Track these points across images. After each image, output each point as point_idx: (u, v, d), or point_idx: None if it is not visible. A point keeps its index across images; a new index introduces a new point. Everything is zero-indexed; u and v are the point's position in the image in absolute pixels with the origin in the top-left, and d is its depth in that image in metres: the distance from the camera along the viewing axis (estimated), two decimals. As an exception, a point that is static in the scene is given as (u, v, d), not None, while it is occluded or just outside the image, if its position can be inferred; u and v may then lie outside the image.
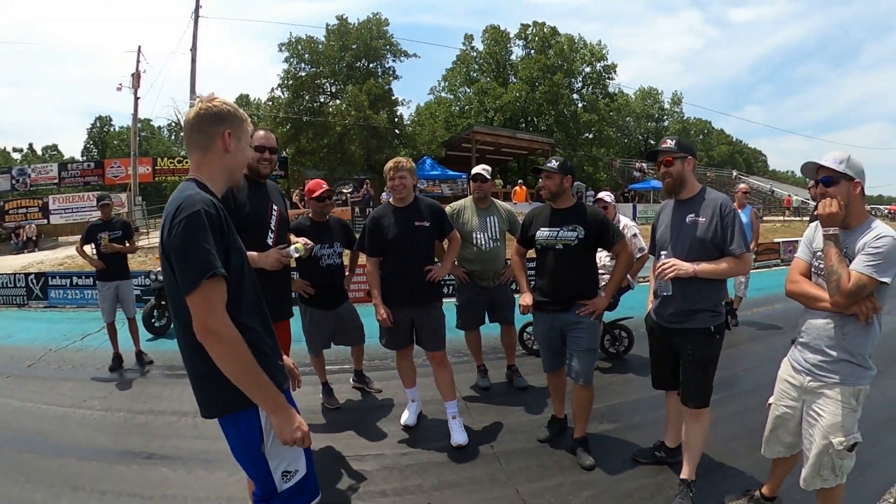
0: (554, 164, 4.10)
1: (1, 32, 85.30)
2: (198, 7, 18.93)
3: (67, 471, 4.27)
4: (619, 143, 55.61)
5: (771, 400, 3.20)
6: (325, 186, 5.04)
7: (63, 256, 18.89)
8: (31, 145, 64.10)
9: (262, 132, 3.85)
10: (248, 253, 3.49)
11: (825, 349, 2.76)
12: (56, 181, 28.90)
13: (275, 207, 3.79)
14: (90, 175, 29.11)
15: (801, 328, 2.94)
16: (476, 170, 5.46)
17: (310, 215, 5.13)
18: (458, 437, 4.47)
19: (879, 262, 2.53)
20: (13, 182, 28.22)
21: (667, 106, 64.85)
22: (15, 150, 61.04)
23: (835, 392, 2.73)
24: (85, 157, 51.14)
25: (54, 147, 64.69)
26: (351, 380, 5.88)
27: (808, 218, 7.61)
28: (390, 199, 4.60)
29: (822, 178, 2.72)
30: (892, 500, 3.52)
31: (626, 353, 6.79)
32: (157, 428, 5.09)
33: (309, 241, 3.90)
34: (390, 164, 4.43)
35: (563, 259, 4.05)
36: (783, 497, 3.45)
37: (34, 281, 12.05)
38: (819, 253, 2.80)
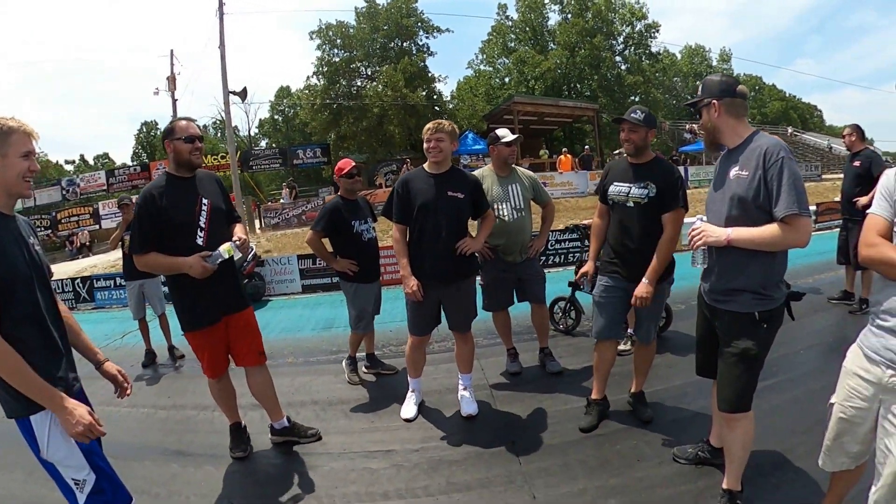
0: (640, 115, 3.77)
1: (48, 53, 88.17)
2: (221, 4, 18.90)
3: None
4: (668, 104, 53.62)
5: (833, 398, 2.51)
6: (353, 163, 5.13)
7: (115, 259, 19.39)
8: (82, 156, 65.96)
9: (183, 122, 3.65)
10: (174, 259, 3.38)
11: None
12: (105, 187, 29.75)
13: (204, 201, 3.57)
14: (137, 178, 29.66)
15: (879, 306, 2.26)
16: (503, 133, 5.03)
17: (341, 194, 5.20)
18: (469, 407, 4.45)
19: None
20: (63, 192, 29.55)
21: (715, 63, 62.10)
22: (67, 161, 63.05)
23: None
24: (135, 162, 52.42)
25: (105, 155, 66.43)
26: (364, 366, 5.65)
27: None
28: (424, 165, 4.34)
29: None
30: None
31: (664, 332, 6.07)
32: (177, 423, 5.03)
33: (241, 238, 3.61)
34: (430, 124, 4.20)
35: (630, 219, 3.79)
36: None
37: (80, 284, 12.34)
38: None
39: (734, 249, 2.70)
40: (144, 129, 64.33)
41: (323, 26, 34.52)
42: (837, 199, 9.26)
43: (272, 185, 43.58)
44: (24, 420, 2.20)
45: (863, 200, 6.49)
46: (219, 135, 61.20)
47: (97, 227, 27.37)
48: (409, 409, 4.55)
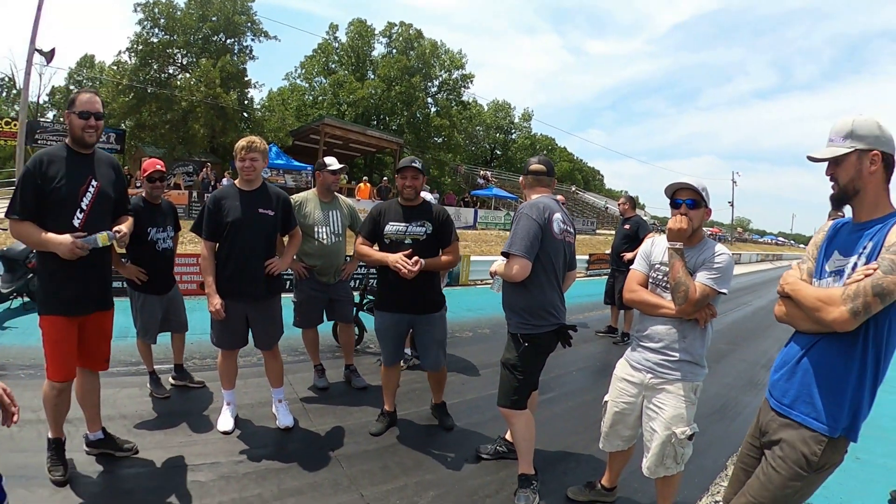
0: (419, 164, 4.30)
1: None
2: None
3: None
4: (467, 149, 57.31)
5: (607, 398, 3.40)
6: (160, 167, 4.85)
7: None
8: None
9: (85, 95, 3.34)
10: (48, 235, 3.14)
11: (667, 351, 3.02)
12: None
13: (94, 182, 3.33)
14: None
15: (640, 332, 3.18)
16: (331, 161, 5.30)
17: (143, 195, 4.86)
18: (285, 419, 4.53)
19: (720, 276, 2.87)
20: None
21: (517, 120, 67.78)
22: None
23: (676, 387, 3.01)
24: None
25: None
26: (171, 377, 5.31)
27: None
28: (235, 181, 4.32)
29: (688, 199, 2.94)
30: (723, 485, 3.84)
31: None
32: None
33: (123, 232, 3.44)
34: (243, 142, 4.17)
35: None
36: (621, 486, 3.73)
37: None
38: (657, 265, 3.11)
39: (505, 282, 3.59)
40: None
41: (150, 1, 31.66)
42: (608, 251, 10.99)
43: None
44: None
45: (628, 255, 8.21)
46: (3, 94, 53.09)
47: None
48: (226, 421, 4.44)
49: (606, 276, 9.19)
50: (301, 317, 5.35)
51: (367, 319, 6.34)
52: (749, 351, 9.06)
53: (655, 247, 3.18)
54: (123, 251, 4.71)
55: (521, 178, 3.83)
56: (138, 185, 21.75)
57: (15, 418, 2.20)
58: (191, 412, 4.72)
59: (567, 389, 6.10)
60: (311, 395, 5.36)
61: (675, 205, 2.98)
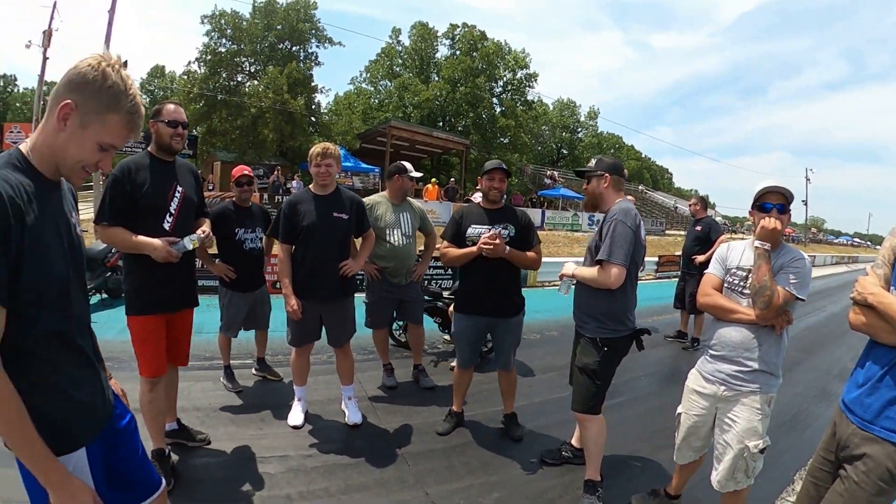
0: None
1: None
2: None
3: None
4: (533, 149, 56.82)
5: (680, 409, 3.30)
6: (247, 172, 5.17)
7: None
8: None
9: (171, 106, 3.52)
10: (140, 238, 3.28)
11: (742, 360, 2.89)
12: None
13: (179, 188, 3.50)
14: (-14, 138, 26.66)
15: (712, 341, 3.06)
16: (405, 165, 5.38)
17: (234, 199, 5.18)
18: (354, 416, 4.63)
19: (800, 281, 2.76)
20: None
21: (582, 119, 66.84)
22: None
23: (750, 400, 2.88)
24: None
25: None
26: (253, 369, 5.68)
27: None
28: (310, 186, 4.45)
29: (778, 204, 2.84)
30: (790, 500, 3.74)
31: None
32: None
33: (207, 232, 3.60)
34: (318, 148, 4.29)
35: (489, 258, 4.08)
36: (685, 495, 3.61)
37: None
38: (734, 270, 3.00)
39: (584, 285, 3.53)
40: (1, 83, 58.63)
41: (217, 12, 32.90)
42: (678, 253, 10.59)
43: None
44: None
45: (700, 258, 7.82)
46: None
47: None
48: (296, 416, 4.61)
49: (676, 279, 8.90)
50: (372, 317, 5.45)
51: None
52: (822, 359, 8.53)
53: (732, 251, 3.09)
54: (214, 250, 4.95)
55: (594, 179, 3.63)
56: (210, 187, 22.58)
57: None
58: (262, 406, 4.90)
59: (635, 395, 5.96)
60: (379, 393, 5.46)
61: (762, 209, 2.88)
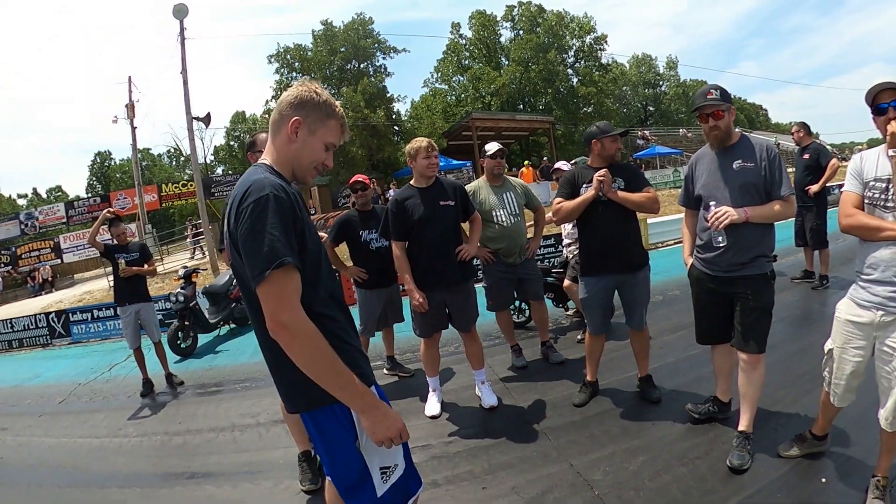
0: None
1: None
2: (182, 30, 18.68)
3: (112, 500, 4.23)
4: (619, 113, 55.04)
5: (829, 345, 2.98)
6: (360, 178, 5.51)
7: (81, 293, 18.98)
8: (34, 189, 64.13)
9: (424, 142, 4.44)
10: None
11: None
12: (64, 220, 29.21)
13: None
14: (97, 210, 28.73)
15: (863, 264, 2.73)
16: (492, 147, 5.34)
17: (356, 206, 5.54)
18: (489, 399, 4.70)
19: None
20: (22, 227, 28.64)
21: (662, 71, 64.00)
22: (19, 195, 61.26)
23: None
24: (90, 194, 51.20)
25: (58, 188, 64.45)
26: (385, 369, 5.91)
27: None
28: (411, 182, 4.59)
29: (893, 101, 2.55)
30: None
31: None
32: (197, 447, 5.00)
33: None
34: (423, 142, 4.46)
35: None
36: (833, 435, 3.36)
37: (55, 319, 11.96)
38: (872, 182, 2.67)
39: (748, 225, 3.23)
40: (98, 160, 63.26)
41: (281, 49, 34.64)
42: None
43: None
44: (330, 407, 1.90)
45: (814, 188, 7.16)
46: (174, 163, 60.25)
47: (59, 261, 26.64)
48: (433, 406, 4.75)
49: (793, 217, 8.26)
50: (493, 300, 5.48)
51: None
52: None
53: (866, 161, 2.72)
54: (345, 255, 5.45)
55: (725, 113, 3.31)
56: (313, 212, 23.47)
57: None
58: (399, 401, 5.06)
59: (770, 342, 5.33)
60: (510, 374, 5.49)
61: (879, 111, 2.60)
